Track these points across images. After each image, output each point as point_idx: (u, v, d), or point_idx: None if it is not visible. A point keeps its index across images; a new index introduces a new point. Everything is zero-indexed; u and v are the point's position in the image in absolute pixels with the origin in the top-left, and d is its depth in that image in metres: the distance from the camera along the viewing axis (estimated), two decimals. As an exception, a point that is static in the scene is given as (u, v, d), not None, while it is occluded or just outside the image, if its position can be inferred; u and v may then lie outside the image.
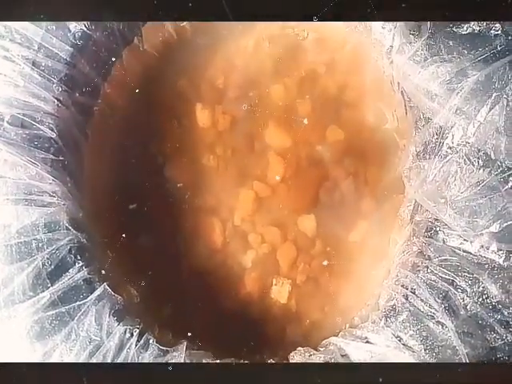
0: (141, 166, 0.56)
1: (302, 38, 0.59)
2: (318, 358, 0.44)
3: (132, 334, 0.42)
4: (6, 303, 0.40)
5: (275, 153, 0.57)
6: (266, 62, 0.59)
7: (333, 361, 0.43)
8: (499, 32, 0.42)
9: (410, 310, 0.43)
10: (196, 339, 0.48)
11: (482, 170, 0.42)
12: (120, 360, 0.41)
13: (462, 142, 0.42)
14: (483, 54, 0.42)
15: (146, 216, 0.55)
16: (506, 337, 0.41)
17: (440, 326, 0.41)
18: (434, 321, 0.42)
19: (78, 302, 0.41)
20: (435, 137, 0.44)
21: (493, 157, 0.41)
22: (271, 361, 0.47)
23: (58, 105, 0.46)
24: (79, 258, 0.43)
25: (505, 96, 0.41)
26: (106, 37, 0.49)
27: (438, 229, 0.44)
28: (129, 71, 0.55)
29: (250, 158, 0.57)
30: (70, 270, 0.42)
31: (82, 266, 0.42)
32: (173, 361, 0.42)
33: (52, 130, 0.45)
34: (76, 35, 0.46)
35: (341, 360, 0.43)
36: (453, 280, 0.42)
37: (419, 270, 0.44)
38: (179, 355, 0.42)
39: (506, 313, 0.41)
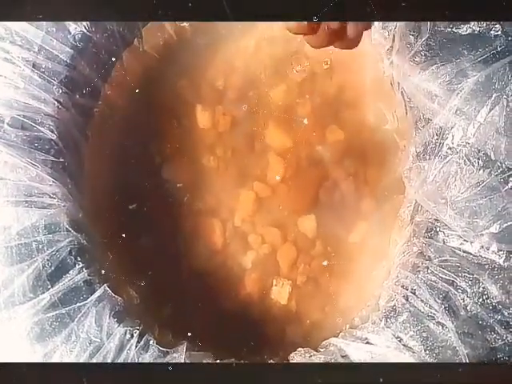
0: (141, 166, 0.56)
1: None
2: (318, 358, 0.44)
3: (132, 335, 0.42)
4: (6, 305, 0.40)
5: (275, 153, 0.57)
6: (266, 62, 0.59)
7: (333, 361, 0.43)
8: (499, 33, 0.42)
9: (410, 311, 0.43)
10: (196, 340, 0.48)
11: (482, 170, 0.42)
12: (120, 361, 0.41)
13: (462, 143, 0.42)
14: (483, 55, 0.42)
15: (146, 216, 0.55)
16: (507, 337, 0.41)
17: (440, 327, 0.41)
18: (434, 321, 0.42)
19: (78, 304, 0.41)
20: (435, 137, 0.44)
21: (493, 157, 0.41)
22: (271, 361, 0.47)
23: (58, 106, 0.46)
24: (79, 259, 0.43)
25: (505, 97, 0.41)
26: (105, 38, 0.49)
27: (438, 229, 0.44)
28: (129, 72, 0.55)
29: (250, 159, 0.57)
30: (70, 272, 0.42)
31: (82, 267, 0.42)
32: (173, 361, 0.42)
33: (52, 132, 0.45)
34: (76, 37, 0.46)
35: (341, 360, 0.43)
36: (453, 280, 0.42)
37: (419, 271, 0.44)
38: (179, 356, 0.42)
39: (506, 313, 0.41)
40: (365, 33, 0.36)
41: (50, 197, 0.44)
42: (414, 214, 0.48)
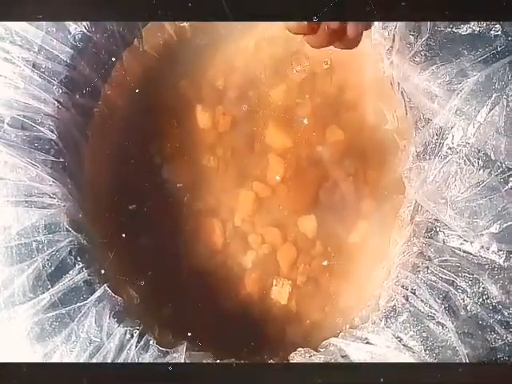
0: (141, 166, 0.56)
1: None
2: (318, 358, 0.44)
3: (132, 335, 0.42)
4: (6, 305, 0.40)
5: (275, 153, 0.57)
6: (266, 62, 0.59)
7: (333, 361, 0.43)
8: (499, 32, 0.42)
9: (410, 311, 0.43)
10: (196, 340, 0.48)
11: (482, 170, 0.42)
12: (120, 361, 0.41)
13: (462, 143, 0.42)
14: (483, 55, 0.42)
15: (145, 217, 0.55)
16: (507, 337, 0.41)
17: (440, 327, 0.41)
18: (434, 321, 0.42)
19: (78, 304, 0.41)
20: (435, 137, 0.44)
21: (493, 157, 0.41)
22: (271, 361, 0.47)
23: (58, 106, 0.46)
24: (79, 259, 0.43)
25: (505, 97, 0.41)
26: (106, 38, 0.49)
27: (438, 229, 0.44)
28: (129, 72, 0.55)
29: (250, 159, 0.57)
30: (70, 272, 0.42)
31: (82, 267, 0.42)
32: (173, 361, 0.42)
33: (52, 132, 0.45)
34: (76, 37, 0.46)
35: (341, 360, 0.43)
36: (453, 280, 0.42)
37: (419, 271, 0.44)
38: (179, 356, 0.42)
39: (506, 313, 0.41)
40: (365, 33, 0.36)
41: (50, 197, 0.44)
42: (414, 213, 0.48)
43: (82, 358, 0.40)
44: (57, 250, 0.42)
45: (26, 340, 0.40)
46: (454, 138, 0.43)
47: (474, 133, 0.42)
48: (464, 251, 0.42)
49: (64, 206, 0.44)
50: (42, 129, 0.45)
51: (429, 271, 0.43)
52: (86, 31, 0.47)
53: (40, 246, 0.42)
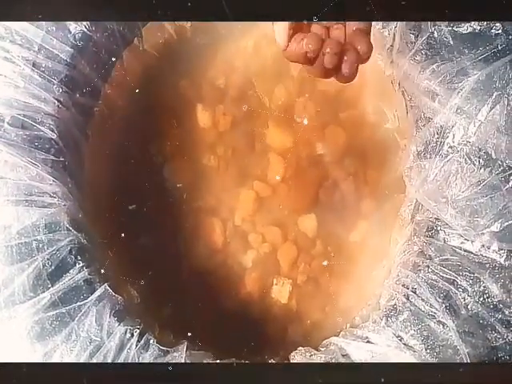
0: (141, 166, 0.56)
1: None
2: (318, 357, 0.44)
3: (132, 335, 0.42)
4: (6, 304, 0.40)
5: (275, 153, 0.57)
6: (266, 62, 0.59)
7: (334, 361, 0.43)
8: (500, 31, 0.42)
9: (410, 310, 0.43)
10: (196, 339, 0.48)
11: (482, 169, 0.42)
12: (120, 361, 0.41)
13: (462, 142, 0.42)
14: (484, 53, 0.42)
15: (146, 216, 0.55)
16: (507, 336, 0.41)
17: (441, 326, 0.41)
18: (434, 320, 0.42)
19: (78, 303, 0.41)
20: (436, 136, 0.44)
21: (494, 156, 0.41)
22: (272, 361, 0.47)
23: (58, 106, 0.46)
24: (79, 258, 0.43)
25: (505, 95, 0.41)
26: (106, 38, 0.49)
27: (438, 228, 0.44)
28: (129, 72, 0.55)
29: (250, 158, 0.57)
30: (71, 271, 0.42)
31: (82, 266, 0.42)
32: (173, 361, 0.42)
33: (52, 131, 0.45)
34: (76, 36, 0.46)
35: (342, 360, 0.43)
36: (454, 279, 0.42)
37: (420, 270, 0.44)
38: (179, 355, 0.42)
39: (506, 312, 0.41)
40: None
41: (51, 196, 0.44)
42: (415, 212, 0.48)
43: (83, 357, 0.40)
44: (57, 249, 0.42)
45: (26, 339, 0.40)
46: (455, 137, 0.43)
47: (475, 131, 0.42)
48: (465, 250, 0.42)
49: (64, 205, 0.44)
50: (42, 128, 0.45)
51: (429, 270, 0.43)
52: (86, 30, 0.47)
53: (40, 245, 0.42)
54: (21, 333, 0.40)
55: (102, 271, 0.44)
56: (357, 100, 0.58)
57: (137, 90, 0.56)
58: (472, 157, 0.42)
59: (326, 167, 0.57)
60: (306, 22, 0.35)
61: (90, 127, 0.52)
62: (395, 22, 0.48)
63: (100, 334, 0.41)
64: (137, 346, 0.42)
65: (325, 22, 0.35)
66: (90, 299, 0.42)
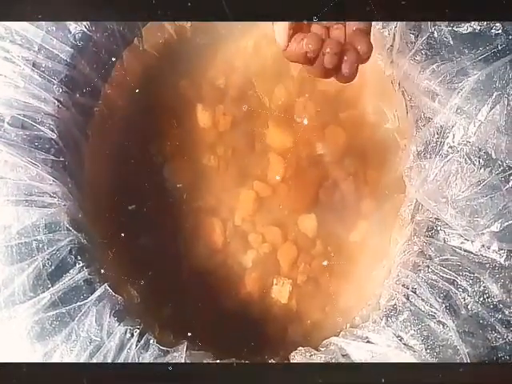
0: (141, 166, 0.56)
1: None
2: (318, 357, 0.44)
3: (132, 335, 0.42)
4: (6, 304, 0.40)
5: (275, 153, 0.57)
6: (266, 62, 0.59)
7: (334, 361, 0.43)
8: (500, 31, 0.42)
9: (410, 310, 0.43)
10: (196, 339, 0.48)
11: (482, 169, 0.42)
12: (120, 361, 0.41)
13: (462, 142, 0.42)
14: (484, 53, 0.42)
15: (145, 216, 0.55)
16: (507, 336, 0.41)
17: (441, 326, 0.41)
18: (434, 320, 0.42)
19: (78, 303, 0.41)
20: (436, 136, 0.44)
21: (494, 156, 0.41)
22: (272, 361, 0.47)
23: (58, 106, 0.46)
24: (79, 258, 0.43)
25: (505, 95, 0.41)
26: (106, 38, 0.49)
27: (438, 228, 0.44)
28: (129, 72, 0.55)
29: (250, 158, 0.57)
30: (71, 271, 0.42)
31: (82, 266, 0.42)
32: (173, 361, 0.42)
33: (52, 131, 0.45)
34: (76, 36, 0.46)
35: (342, 360, 0.43)
36: (454, 279, 0.42)
37: (420, 270, 0.44)
38: (179, 355, 0.42)
39: (507, 312, 0.41)
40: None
41: (51, 196, 0.44)
42: (415, 212, 0.48)
43: (83, 357, 0.40)
44: (57, 249, 0.42)
45: (26, 339, 0.40)
46: (455, 137, 0.43)
47: (475, 131, 0.42)
48: (465, 250, 0.42)
49: (64, 205, 0.44)
50: (42, 128, 0.45)
51: (429, 270, 0.43)
52: (86, 30, 0.47)
53: (40, 245, 0.42)
54: (21, 333, 0.40)
55: (102, 271, 0.44)
56: (357, 100, 0.58)
57: (137, 90, 0.56)
58: (472, 157, 0.42)
59: (326, 167, 0.57)
60: (306, 22, 0.35)
61: (90, 127, 0.52)
62: (395, 22, 0.48)
63: (100, 334, 0.41)
64: (137, 346, 0.42)
65: (325, 22, 0.35)
66: (90, 299, 0.42)
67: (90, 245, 0.45)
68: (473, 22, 0.43)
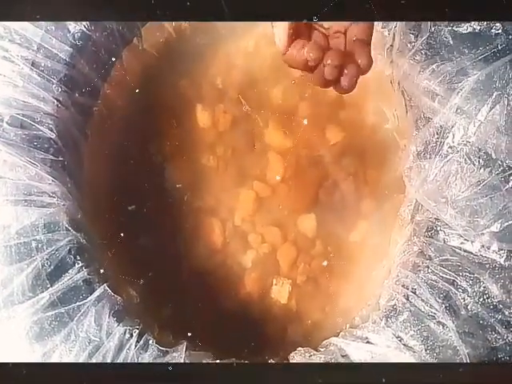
0: (140, 166, 0.56)
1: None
2: (318, 358, 0.44)
3: (132, 335, 0.42)
4: (5, 304, 0.40)
5: (275, 153, 0.57)
6: (266, 62, 0.59)
7: (333, 361, 0.43)
8: (500, 31, 0.42)
9: (410, 310, 0.43)
10: (196, 339, 0.48)
11: (482, 169, 0.41)
12: (119, 361, 0.41)
13: (462, 142, 0.42)
14: (484, 53, 0.42)
15: (145, 216, 0.55)
16: (507, 337, 0.40)
17: (441, 326, 0.41)
18: (434, 321, 0.41)
19: (77, 303, 0.41)
20: (436, 136, 0.44)
21: (493, 156, 0.41)
22: (272, 361, 0.47)
23: (57, 105, 0.46)
24: (79, 258, 0.43)
25: (505, 95, 0.41)
26: (105, 37, 0.49)
27: (438, 228, 0.44)
28: (128, 71, 0.55)
29: (250, 158, 0.57)
30: (70, 271, 0.42)
31: (81, 266, 0.42)
32: (173, 361, 0.42)
33: (51, 131, 0.45)
34: (75, 36, 0.46)
35: (341, 360, 0.43)
36: (453, 280, 0.42)
37: (420, 270, 0.44)
38: (179, 356, 0.42)
39: (506, 312, 0.41)
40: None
41: (50, 196, 0.43)
42: (415, 213, 0.48)
43: (82, 358, 0.40)
44: (56, 249, 0.42)
45: (25, 339, 0.40)
46: (455, 137, 0.43)
47: (475, 131, 0.42)
48: (465, 250, 0.42)
49: (63, 204, 0.44)
50: (41, 127, 0.44)
51: (429, 270, 0.43)
52: (85, 30, 0.47)
53: (39, 245, 0.42)
54: (20, 333, 0.40)
55: (102, 271, 0.44)
56: (356, 100, 0.57)
57: (136, 90, 0.56)
58: (472, 157, 0.42)
59: (326, 167, 0.57)
60: (305, 26, 0.35)
61: (90, 127, 0.51)
62: (395, 22, 0.48)
63: (99, 334, 0.41)
64: (136, 346, 0.41)
65: (325, 29, 0.35)
66: (89, 299, 0.42)
67: (89, 245, 0.45)
68: (473, 22, 0.43)
